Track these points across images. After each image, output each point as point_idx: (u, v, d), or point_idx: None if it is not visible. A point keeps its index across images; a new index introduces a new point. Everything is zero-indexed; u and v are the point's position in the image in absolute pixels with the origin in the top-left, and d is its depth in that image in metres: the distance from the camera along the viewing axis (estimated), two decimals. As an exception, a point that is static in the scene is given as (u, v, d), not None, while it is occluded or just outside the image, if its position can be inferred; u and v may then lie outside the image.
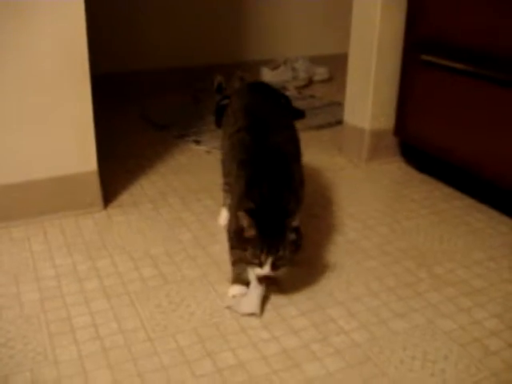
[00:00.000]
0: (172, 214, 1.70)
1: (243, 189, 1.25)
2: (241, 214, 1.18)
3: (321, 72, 3.21)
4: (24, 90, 1.50)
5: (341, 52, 2.63)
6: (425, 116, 1.92)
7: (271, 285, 1.33)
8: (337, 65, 3.00)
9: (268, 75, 3.06)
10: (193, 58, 3.08)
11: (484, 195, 1.81)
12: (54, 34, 1.48)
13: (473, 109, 1.73)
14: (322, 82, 3.21)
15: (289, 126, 1.48)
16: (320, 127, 2.48)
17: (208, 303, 1.29)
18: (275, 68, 3.09)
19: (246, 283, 1.29)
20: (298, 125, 2.44)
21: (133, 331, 1.19)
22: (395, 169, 2.07)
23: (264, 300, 1.28)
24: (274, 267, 1.18)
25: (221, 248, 1.45)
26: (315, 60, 3.23)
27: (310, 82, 3.15)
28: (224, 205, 1.60)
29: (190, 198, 1.81)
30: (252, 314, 1.24)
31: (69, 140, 1.60)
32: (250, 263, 1.20)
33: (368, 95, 2.02)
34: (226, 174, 1.49)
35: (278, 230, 1.18)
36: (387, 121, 2.05)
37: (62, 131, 1.58)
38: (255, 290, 1.26)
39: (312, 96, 2.92)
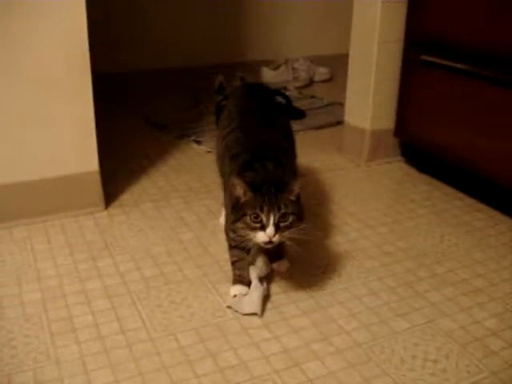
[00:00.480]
0: (173, 214, 1.70)
1: (236, 172, 1.22)
2: (236, 180, 1.13)
3: (321, 72, 3.21)
4: (25, 90, 1.50)
5: (341, 52, 2.62)
6: (425, 116, 1.92)
7: (272, 287, 1.33)
8: (337, 65, 3.00)
9: (269, 75, 3.06)
10: (194, 58, 3.08)
11: (484, 195, 1.82)
12: (55, 34, 1.49)
13: (473, 109, 1.73)
14: (323, 82, 3.21)
15: (284, 125, 1.47)
16: (320, 127, 2.48)
17: (209, 303, 1.29)
18: (276, 68, 3.10)
19: (247, 283, 1.29)
20: (299, 125, 2.46)
21: (134, 331, 1.19)
22: (395, 169, 2.07)
23: (265, 300, 1.29)
24: (277, 229, 1.12)
25: (222, 248, 1.46)
26: (316, 60, 3.23)
27: (310, 82, 3.15)
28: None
29: (191, 197, 1.81)
30: (253, 314, 1.24)
31: (70, 140, 1.60)
32: (253, 229, 1.12)
33: (368, 95, 2.02)
34: (221, 174, 1.47)
35: (277, 188, 1.13)
36: (387, 121, 2.06)
37: (64, 131, 1.59)
38: (256, 290, 1.26)
39: (313, 96, 2.92)
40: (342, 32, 2.62)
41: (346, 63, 2.12)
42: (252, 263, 1.34)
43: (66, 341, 1.16)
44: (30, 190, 1.59)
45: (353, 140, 2.13)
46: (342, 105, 2.34)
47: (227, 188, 1.29)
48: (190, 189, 1.87)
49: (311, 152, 2.20)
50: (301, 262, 1.44)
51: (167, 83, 2.98)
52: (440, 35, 1.80)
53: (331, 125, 2.49)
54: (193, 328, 1.21)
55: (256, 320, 1.24)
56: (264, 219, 1.11)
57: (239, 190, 1.14)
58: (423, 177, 2.01)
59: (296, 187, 1.15)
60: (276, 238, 1.12)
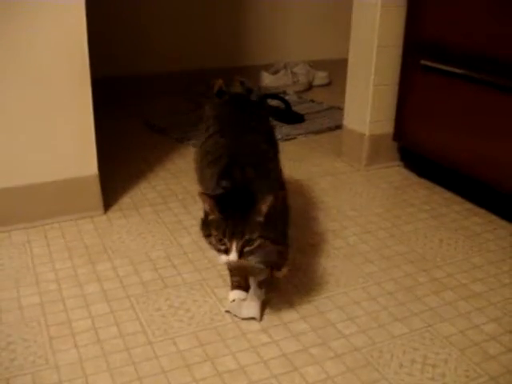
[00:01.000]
0: (172, 218, 1.70)
1: (215, 180, 1.18)
2: (202, 196, 1.09)
3: (321, 76, 3.22)
4: (24, 93, 1.51)
5: (341, 57, 2.63)
6: (424, 121, 1.92)
7: (271, 292, 1.33)
8: (337, 69, 3.01)
9: (268, 80, 3.07)
10: (193, 62, 3.08)
11: (483, 199, 1.82)
12: (54, 37, 1.49)
13: (472, 114, 1.74)
14: (322, 86, 3.22)
15: (265, 130, 1.42)
16: (320, 132, 2.48)
17: (208, 307, 1.29)
18: (275, 72, 3.10)
19: (246, 288, 1.29)
20: (298, 129, 2.47)
21: (133, 335, 1.19)
22: (394, 173, 2.08)
23: (264, 304, 1.28)
24: (241, 254, 1.07)
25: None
26: (315, 64, 3.24)
27: (309, 87, 3.16)
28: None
29: (190, 201, 1.81)
30: (252, 318, 1.24)
31: (69, 144, 1.60)
32: (217, 250, 1.09)
33: (367, 100, 2.02)
34: (200, 181, 1.39)
35: (243, 212, 1.07)
36: (386, 125, 2.06)
37: (63, 135, 1.59)
38: (255, 295, 1.26)
39: (312, 100, 2.92)
40: (341, 37, 2.62)
41: (345, 68, 2.12)
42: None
43: (64, 345, 1.16)
44: (29, 194, 1.59)
45: (352, 144, 2.14)
46: (341, 109, 2.35)
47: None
48: (188, 193, 1.87)
49: (310, 156, 2.20)
50: (299, 266, 1.44)
51: (167, 87, 2.98)
52: (439, 40, 1.80)
53: (330, 129, 2.49)
54: (191, 332, 1.21)
55: (255, 324, 1.24)
56: (227, 244, 1.08)
57: (207, 206, 1.10)
58: (422, 181, 2.01)
59: (264, 207, 1.07)
60: (241, 262, 1.10)
